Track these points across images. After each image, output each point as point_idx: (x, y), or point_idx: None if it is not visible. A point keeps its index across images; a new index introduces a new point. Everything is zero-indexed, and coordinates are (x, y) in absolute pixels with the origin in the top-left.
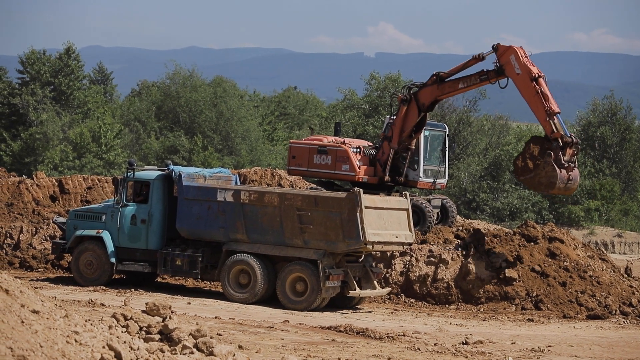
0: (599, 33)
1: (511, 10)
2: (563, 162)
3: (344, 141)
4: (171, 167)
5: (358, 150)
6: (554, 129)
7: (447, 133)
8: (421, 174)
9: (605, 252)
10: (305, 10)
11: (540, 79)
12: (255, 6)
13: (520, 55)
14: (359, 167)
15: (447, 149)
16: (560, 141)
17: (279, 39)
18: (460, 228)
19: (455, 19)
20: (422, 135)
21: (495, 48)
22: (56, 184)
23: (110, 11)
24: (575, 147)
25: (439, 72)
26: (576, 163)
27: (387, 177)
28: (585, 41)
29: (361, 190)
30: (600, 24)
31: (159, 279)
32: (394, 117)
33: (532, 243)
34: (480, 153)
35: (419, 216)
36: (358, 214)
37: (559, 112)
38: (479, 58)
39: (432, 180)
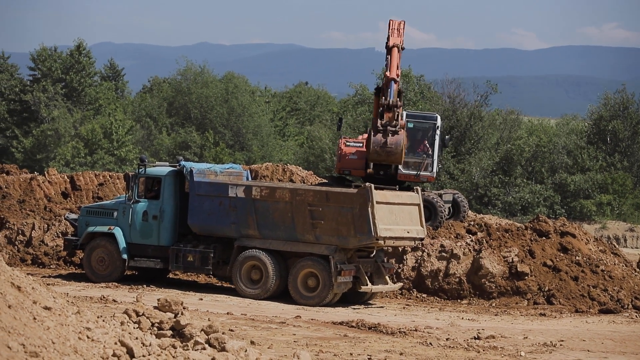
0: (610, 27)
1: (522, 4)
2: (377, 125)
3: (343, 136)
4: (182, 163)
5: (360, 145)
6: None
7: (437, 125)
8: (401, 166)
9: (617, 246)
10: (315, 5)
11: (394, 49)
12: (266, 2)
13: (391, 27)
14: (340, 161)
15: (435, 140)
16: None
17: (290, 34)
18: (472, 223)
19: (466, 14)
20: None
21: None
22: (68, 180)
23: (121, 8)
24: (392, 110)
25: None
26: (398, 127)
27: (369, 170)
28: (597, 35)
29: (372, 185)
30: (611, 18)
31: (170, 275)
32: None
33: (544, 238)
34: (491, 148)
35: (430, 211)
36: (369, 209)
37: (392, 79)
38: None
39: (415, 172)
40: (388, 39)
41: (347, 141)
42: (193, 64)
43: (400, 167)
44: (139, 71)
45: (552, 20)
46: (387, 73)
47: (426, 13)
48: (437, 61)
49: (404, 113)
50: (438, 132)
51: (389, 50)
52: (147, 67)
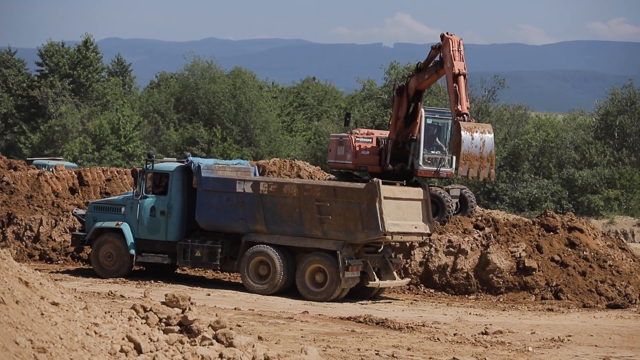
0: (617, 22)
1: None
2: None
3: (352, 131)
4: (190, 158)
5: (369, 140)
6: None
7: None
8: (421, 162)
9: (625, 241)
10: (323, 1)
11: (460, 77)
12: None
13: (451, 49)
14: (355, 156)
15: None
16: None
17: (297, 30)
18: (480, 218)
19: (472, 9)
20: (423, 122)
21: (441, 37)
22: (75, 176)
23: (128, 3)
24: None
25: (419, 62)
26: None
27: (389, 167)
28: (604, 30)
29: (380, 180)
30: (618, 13)
31: (178, 271)
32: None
33: (551, 233)
34: (499, 143)
35: (437, 206)
36: (377, 204)
37: (465, 114)
38: (437, 48)
39: (435, 168)
40: (444, 59)
41: (356, 136)
42: (200, 60)
43: (420, 163)
44: (147, 67)
45: (559, 16)
46: (459, 107)
47: (431, 8)
48: None
49: (423, 109)
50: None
51: (454, 78)
52: (155, 62)
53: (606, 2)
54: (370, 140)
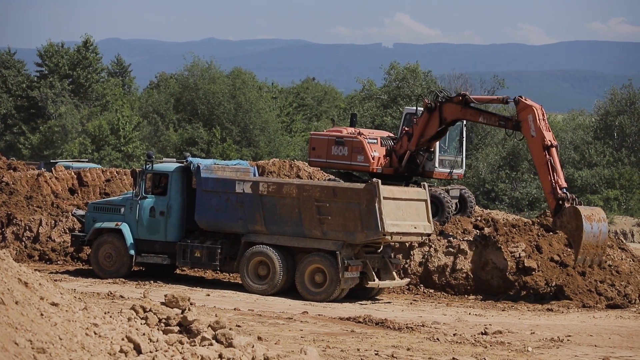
0: (616, 22)
1: None
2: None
3: (359, 132)
4: (189, 159)
5: (375, 141)
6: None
7: (465, 123)
8: (437, 165)
9: (624, 241)
10: (322, 1)
11: (553, 149)
12: None
13: (537, 118)
14: (373, 158)
15: (464, 139)
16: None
17: (296, 30)
18: (479, 218)
19: (472, 9)
20: None
21: (517, 101)
22: (75, 176)
23: (128, 3)
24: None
25: (465, 94)
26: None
27: (402, 169)
28: (603, 30)
29: (379, 181)
30: (617, 13)
31: (177, 271)
32: (415, 116)
33: (551, 233)
34: (498, 143)
35: (437, 207)
36: (376, 204)
37: (565, 187)
38: (503, 101)
39: (449, 170)
40: (524, 125)
41: (370, 138)
42: (200, 60)
43: (436, 165)
44: (146, 67)
45: (558, 16)
46: (559, 181)
47: (430, 8)
48: (445, 57)
49: None
50: (465, 130)
51: (546, 149)
52: (154, 63)
53: (605, 2)
54: (376, 141)
